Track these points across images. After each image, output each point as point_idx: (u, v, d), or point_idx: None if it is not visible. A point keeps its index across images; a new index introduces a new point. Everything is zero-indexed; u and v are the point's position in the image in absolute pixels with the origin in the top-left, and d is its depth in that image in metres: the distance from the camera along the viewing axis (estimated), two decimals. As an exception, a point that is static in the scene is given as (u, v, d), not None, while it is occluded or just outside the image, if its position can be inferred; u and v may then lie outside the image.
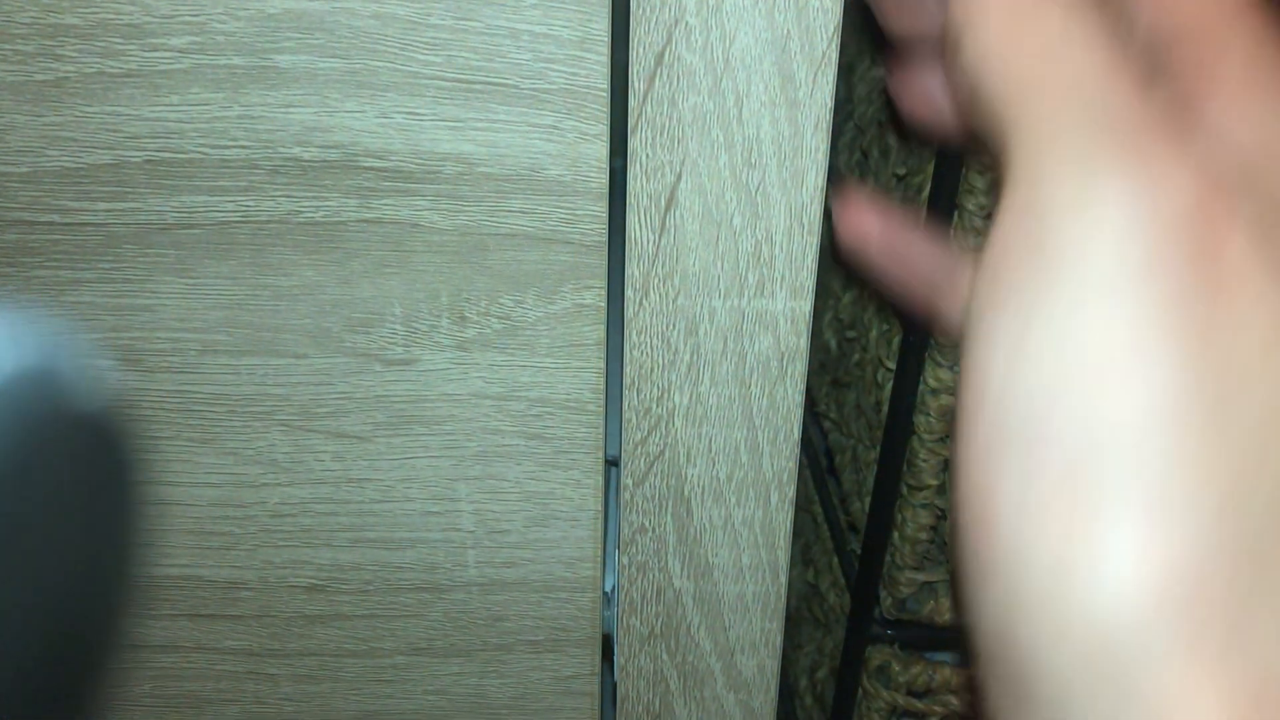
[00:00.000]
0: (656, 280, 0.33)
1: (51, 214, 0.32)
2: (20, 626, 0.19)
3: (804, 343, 0.34)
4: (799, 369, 0.35)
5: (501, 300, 0.33)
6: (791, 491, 0.37)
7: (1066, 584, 0.18)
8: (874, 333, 0.51)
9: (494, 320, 0.34)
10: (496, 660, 0.40)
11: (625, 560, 0.37)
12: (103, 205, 0.32)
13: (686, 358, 0.34)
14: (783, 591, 0.38)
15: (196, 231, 0.33)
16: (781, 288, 0.33)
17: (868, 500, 0.48)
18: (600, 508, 0.37)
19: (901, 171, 0.49)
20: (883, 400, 0.48)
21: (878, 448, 0.48)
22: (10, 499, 0.18)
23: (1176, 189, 0.18)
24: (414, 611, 0.39)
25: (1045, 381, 0.19)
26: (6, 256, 0.33)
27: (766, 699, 0.40)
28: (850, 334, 0.56)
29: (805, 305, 0.34)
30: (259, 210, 0.32)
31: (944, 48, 0.23)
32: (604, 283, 0.33)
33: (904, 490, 0.46)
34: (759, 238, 0.33)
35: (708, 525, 0.37)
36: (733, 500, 0.36)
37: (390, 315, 0.34)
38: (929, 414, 0.44)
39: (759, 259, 0.33)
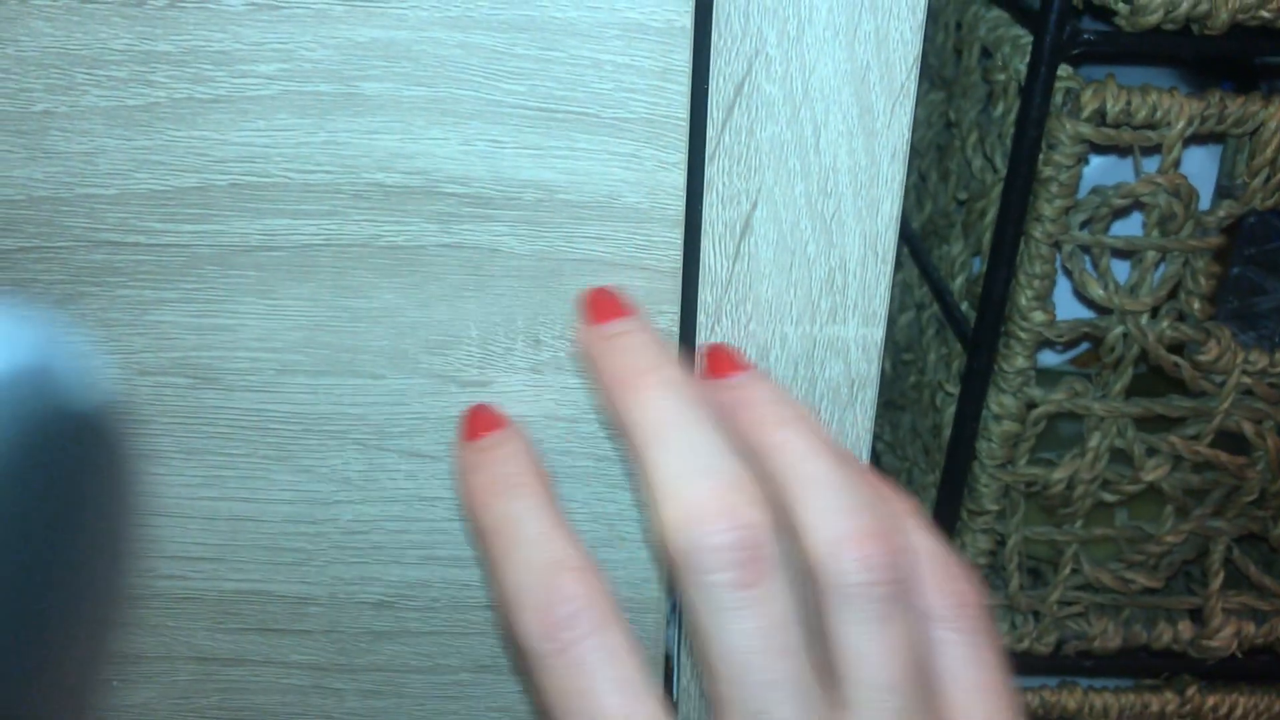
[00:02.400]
0: (729, 306, 0.34)
1: (138, 235, 0.33)
2: (19, 620, 0.19)
3: (875, 370, 0.34)
4: (869, 395, 0.35)
5: (576, 325, 0.34)
6: (858, 517, 0.37)
7: None
8: (932, 356, 0.51)
9: (568, 344, 0.34)
10: (560, 679, 0.40)
11: (690, 582, 0.38)
12: (188, 227, 0.33)
13: (757, 383, 0.34)
14: (846, 616, 0.38)
15: (278, 254, 0.33)
16: (854, 315, 0.34)
17: (925, 524, 0.48)
18: (667, 530, 0.37)
19: (963, 196, 0.49)
20: (941, 424, 0.48)
21: (935, 471, 0.49)
22: (8, 495, 0.18)
23: None
24: (480, 629, 0.39)
25: None
26: (93, 276, 0.33)
27: (827, 722, 0.40)
28: (907, 356, 0.56)
29: (877, 332, 0.34)
30: (341, 234, 0.33)
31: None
32: (678, 308, 0.34)
33: (964, 515, 0.46)
34: (833, 265, 0.33)
35: (773, 549, 0.37)
36: (799, 524, 0.37)
37: (467, 338, 0.34)
38: (991, 440, 0.44)
39: (832, 286, 0.33)
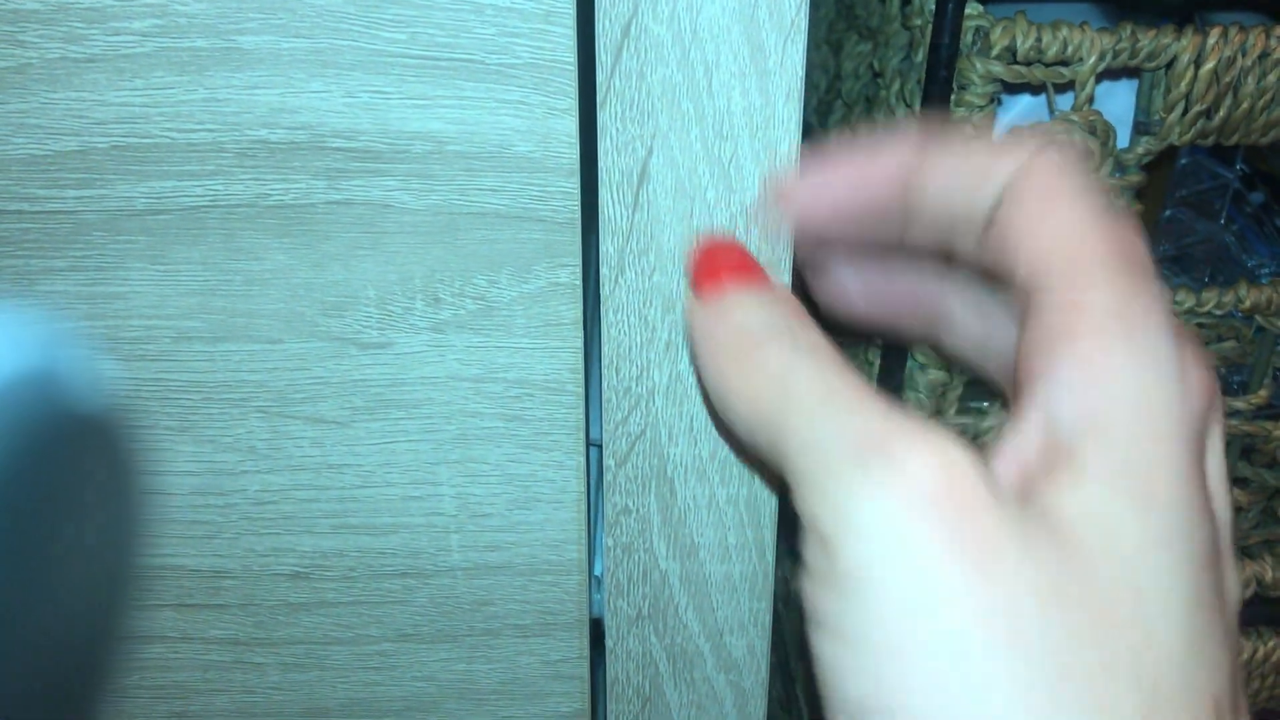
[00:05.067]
0: (632, 257, 0.33)
1: (20, 202, 0.32)
2: (24, 627, 0.18)
3: (783, 317, 0.34)
4: (779, 344, 0.34)
5: (475, 281, 0.33)
6: (775, 469, 0.36)
7: None
8: (864, 310, 0.51)
9: (468, 301, 0.33)
10: (484, 645, 0.40)
11: (610, 542, 0.37)
12: (72, 192, 0.32)
13: (665, 335, 0.34)
14: (770, 571, 0.38)
15: (166, 217, 0.32)
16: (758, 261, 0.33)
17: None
18: (583, 489, 0.37)
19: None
20: (871, 378, 0.48)
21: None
22: (13, 501, 0.18)
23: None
24: (399, 598, 0.38)
25: None
26: (-24, 246, 0.33)
27: (757, 679, 0.40)
28: (842, 313, 0.55)
29: (783, 279, 0.33)
30: (228, 194, 0.32)
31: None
32: (578, 261, 0.33)
33: (895, 468, 0.46)
34: (734, 211, 0.32)
35: (692, 505, 0.36)
36: (716, 479, 0.36)
37: (364, 298, 0.33)
38: (919, 390, 0.43)
39: (734, 233, 0.33)
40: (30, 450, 0.18)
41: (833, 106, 0.58)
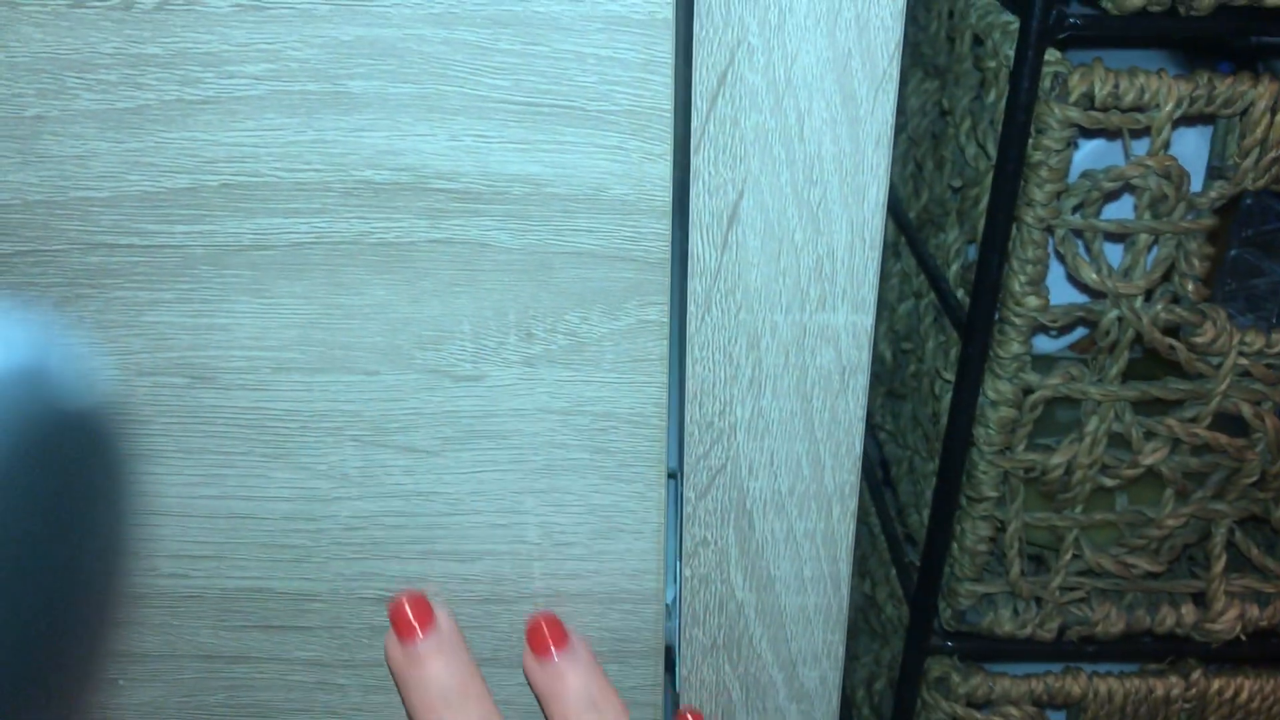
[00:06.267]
0: (719, 295, 0.34)
1: (132, 237, 0.33)
2: (11, 625, 0.19)
3: (865, 356, 0.34)
4: (860, 382, 0.35)
5: (567, 317, 0.34)
6: (853, 504, 0.37)
7: None
8: (930, 344, 0.51)
9: (560, 337, 0.34)
10: (561, 671, 0.40)
11: (688, 572, 0.38)
12: (181, 228, 0.33)
13: (748, 372, 0.35)
14: (844, 603, 0.38)
15: (271, 253, 0.33)
16: (843, 302, 0.34)
17: (925, 512, 0.48)
18: (663, 520, 0.38)
19: (957, 184, 0.49)
20: (940, 412, 0.48)
21: (935, 459, 0.49)
22: (3, 497, 0.18)
23: None
24: (481, 623, 0.39)
25: None
26: (89, 278, 0.34)
27: (828, 710, 0.40)
28: (906, 345, 0.56)
29: (867, 319, 0.34)
30: (332, 231, 0.33)
31: None
32: (667, 299, 0.34)
33: (963, 502, 0.46)
34: (820, 253, 0.33)
35: (770, 538, 0.37)
36: (794, 513, 0.37)
37: (459, 332, 0.34)
38: (989, 426, 0.44)
39: (820, 274, 0.33)
40: (22, 447, 0.18)
41: (897, 141, 0.59)
